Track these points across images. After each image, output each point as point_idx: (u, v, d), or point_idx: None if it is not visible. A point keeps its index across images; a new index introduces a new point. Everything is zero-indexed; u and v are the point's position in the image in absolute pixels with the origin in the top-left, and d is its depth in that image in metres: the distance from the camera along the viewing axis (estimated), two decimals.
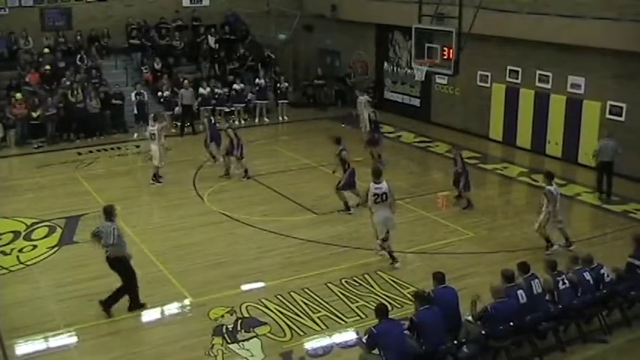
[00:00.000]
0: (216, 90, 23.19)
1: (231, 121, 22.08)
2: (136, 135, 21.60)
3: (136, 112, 21.74)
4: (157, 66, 24.19)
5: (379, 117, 19.18)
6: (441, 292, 9.26)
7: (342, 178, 14.87)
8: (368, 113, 19.27)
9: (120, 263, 10.51)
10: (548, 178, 12.82)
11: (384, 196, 11.93)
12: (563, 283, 9.80)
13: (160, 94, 22.24)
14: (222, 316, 10.60)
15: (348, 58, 26.85)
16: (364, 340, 8.76)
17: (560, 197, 12.67)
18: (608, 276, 10.27)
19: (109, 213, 10.54)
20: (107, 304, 10.60)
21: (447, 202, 15.99)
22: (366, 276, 11.94)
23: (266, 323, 10.41)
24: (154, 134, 16.64)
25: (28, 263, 12.64)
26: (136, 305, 10.75)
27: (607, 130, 16.91)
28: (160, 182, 16.97)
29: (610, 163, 16.05)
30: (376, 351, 8.46)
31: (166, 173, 17.17)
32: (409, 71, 22.89)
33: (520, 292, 9.32)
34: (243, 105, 23.84)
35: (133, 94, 21.80)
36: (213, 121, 19.18)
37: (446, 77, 20.97)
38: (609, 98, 17.63)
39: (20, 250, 13.19)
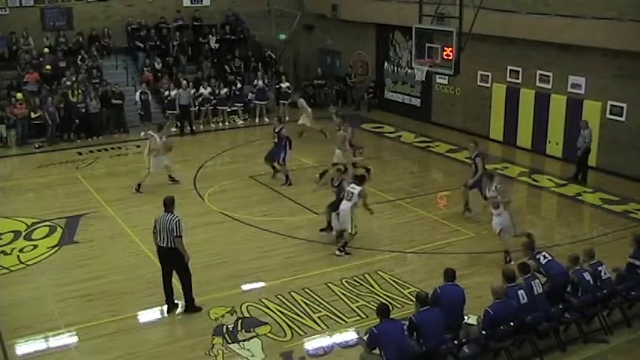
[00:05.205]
0: (216, 90, 23.19)
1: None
2: (142, 134, 21.60)
3: (140, 111, 21.93)
4: (158, 66, 24.20)
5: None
6: (445, 289, 9.27)
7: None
8: None
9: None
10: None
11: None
12: None
13: (167, 93, 22.20)
14: (223, 316, 10.60)
15: (348, 58, 26.85)
16: (365, 340, 8.76)
17: None
18: (605, 273, 10.25)
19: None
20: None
21: (447, 202, 15.98)
22: (367, 276, 11.94)
23: (266, 323, 10.40)
24: None
25: (29, 263, 12.64)
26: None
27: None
28: None
29: None
30: (377, 351, 8.47)
31: (166, 173, 17.14)
32: (410, 71, 22.90)
33: (521, 292, 9.31)
34: (243, 105, 23.82)
35: (138, 94, 21.98)
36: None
37: (446, 77, 21.00)
38: (610, 98, 17.62)
39: (21, 250, 13.18)
